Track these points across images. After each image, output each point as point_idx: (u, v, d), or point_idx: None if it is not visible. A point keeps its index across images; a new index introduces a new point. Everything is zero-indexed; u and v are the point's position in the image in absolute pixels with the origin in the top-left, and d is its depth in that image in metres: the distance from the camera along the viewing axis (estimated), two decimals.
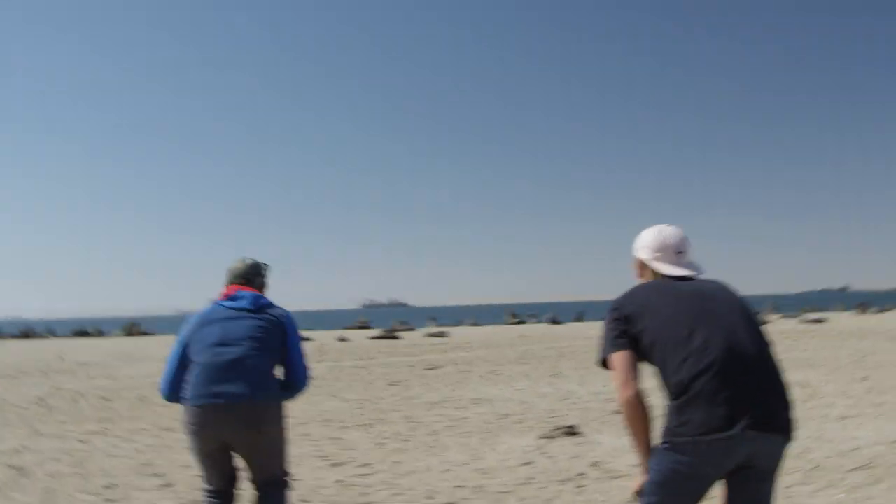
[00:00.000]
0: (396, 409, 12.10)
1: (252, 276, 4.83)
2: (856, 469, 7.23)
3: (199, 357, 4.45)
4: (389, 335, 33.77)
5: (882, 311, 46.56)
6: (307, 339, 32.20)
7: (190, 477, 7.78)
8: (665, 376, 3.28)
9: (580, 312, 56.10)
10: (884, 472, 7.11)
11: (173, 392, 4.56)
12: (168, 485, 7.49)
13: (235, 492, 4.69)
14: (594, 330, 36.01)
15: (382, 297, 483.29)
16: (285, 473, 4.66)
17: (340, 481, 7.47)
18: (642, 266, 3.71)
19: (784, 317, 42.41)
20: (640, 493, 3.42)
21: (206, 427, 4.36)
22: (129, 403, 13.65)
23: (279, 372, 4.66)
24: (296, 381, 4.67)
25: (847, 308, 51.61)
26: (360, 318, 50.88)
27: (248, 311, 4.60)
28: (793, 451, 7.69)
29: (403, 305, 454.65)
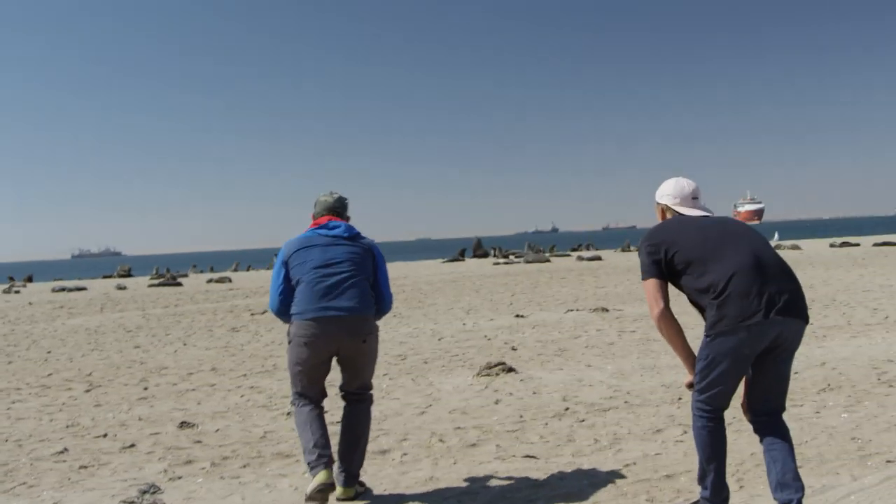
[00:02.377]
0: (280, 355, 11.41)
1: (340, 208, 5.34)
2: (823, 391, 7.56)
3: (305, 277, 4.98)
4: (172, 282, 32.08)
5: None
6: (83, 289, 30.20)
7: (212, 430, 6.99)
8: (703, 284, 4.05)
9: None
10: (851, 391, 7.49)
11: (283, 306, 5.08)
12: (199, 441, 6.67)
13: (323, 403, 5.20)
14: None
15: (93, 247, 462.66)
16: (370, 385, 5.27)
17: None
18: (664, 210, 4.53)
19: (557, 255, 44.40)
20: (690, 385, 4.26)
21: (319, 337, 4.90)
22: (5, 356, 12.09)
23: None
24: (384, 302, 5.22)
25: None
26: (121, 266, 48.16)
27: (343, 238, 5.14)
28: None
29: (118, 254, 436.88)
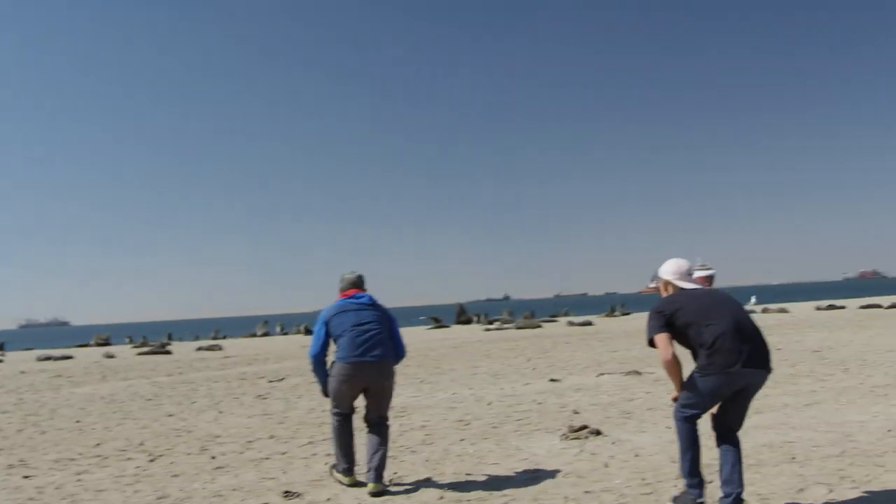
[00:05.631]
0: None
1: (360, 283, 7.25)
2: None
3: (346, 333, 6.80)
4: (161, 350, 31.46)
5: (626, 314, 49.90)
6: (70, 358, 29.50)
7: (322, 499, 6.62)
8: (698, 341, 5.54)
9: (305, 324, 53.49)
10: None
11: (320, 353, 6.98)
12: None
13: (353, 416, 7.11)
14: None
15: (41, 316, 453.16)
16: (387, 416, 7.06)
17: (441, 498, 6.64)
18: (666, 284, 6.03)
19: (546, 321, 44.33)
20: (675, 399, 5.82)
21: (355, 376, 6.78)
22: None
23: None
24: (401, 350, 7.13)
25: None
26: (98, 335, 47.27)
27: (368, 304, 7.02)
28: (828, 440, 7.82)
29: (66, 324, 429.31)
